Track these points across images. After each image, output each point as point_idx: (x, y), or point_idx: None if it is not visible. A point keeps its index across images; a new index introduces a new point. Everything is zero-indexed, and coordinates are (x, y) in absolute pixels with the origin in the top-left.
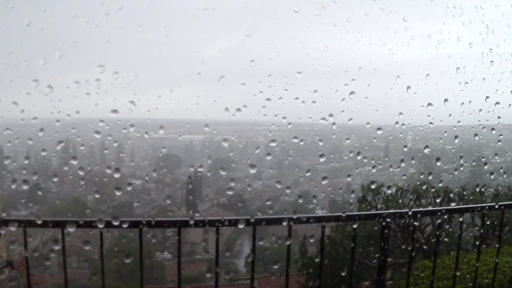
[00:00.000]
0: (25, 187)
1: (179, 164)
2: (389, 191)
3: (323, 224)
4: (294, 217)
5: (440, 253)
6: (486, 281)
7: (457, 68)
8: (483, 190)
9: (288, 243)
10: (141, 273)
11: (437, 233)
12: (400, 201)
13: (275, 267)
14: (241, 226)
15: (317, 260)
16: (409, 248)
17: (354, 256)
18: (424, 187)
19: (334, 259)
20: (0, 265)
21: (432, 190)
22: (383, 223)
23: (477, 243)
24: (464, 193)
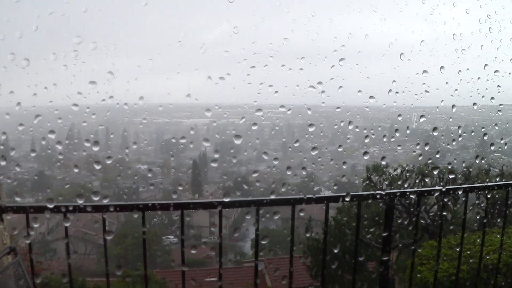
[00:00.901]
0: (3, 163)
1: (184, 148)
2: (394, 172)
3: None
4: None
5: (445, 233)
6: (490, 259)
7: (453, 34)
8: (488, 169)
9: (293, 226)
10: (144, 256)
11: (441, 212)
12: (402, 181)
13: (263, 242)
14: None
15: (314, 235)
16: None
17: (359, 230)
18: (429, 168)
19: (339, 240)
20: (2, 252)
21: (433, 166)
22: (384, 196)
23: (484, 221)
24: (470, 170)
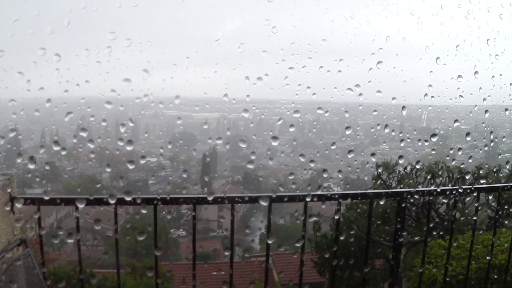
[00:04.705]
0: (32, 166)
1: (194, 141)
2: (403, 170)
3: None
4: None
5: (454, 233)
6: (498, 259)
7: (487, 39)
8: (497, 170)
9: (309, 220)
10: (156, 250)
11: (453, 212)
12: (413, 180)
13: (269, 242)
14: (264, 203)
15: (321, 230)
16: (425, 228)
17: (370, 228)
18: (439, 167)
19: (347, 236)
20: (13, 243)
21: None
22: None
23: (494, 222)
24: (480, 171)
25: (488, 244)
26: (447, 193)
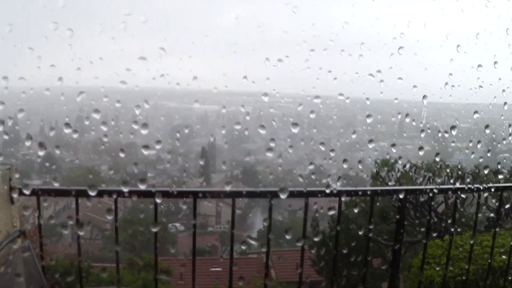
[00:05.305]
0: (41, 152)
1: (193, 134)
2: (403, 168)
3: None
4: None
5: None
6: (496, 261)
7: (507, 29)
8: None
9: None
10: (155, 245)
11: (453, 211)
12: (413, 178)
13: (287, 237)
14: (283, 196)
15: (313, 233)
16: (421, 228)
17: (371, 226)
18: (438, 166)
19: (346, 235)
20: (13, 235)
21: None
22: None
23: (495, 222)
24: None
25: (487, 245)
26: (465, 188)
